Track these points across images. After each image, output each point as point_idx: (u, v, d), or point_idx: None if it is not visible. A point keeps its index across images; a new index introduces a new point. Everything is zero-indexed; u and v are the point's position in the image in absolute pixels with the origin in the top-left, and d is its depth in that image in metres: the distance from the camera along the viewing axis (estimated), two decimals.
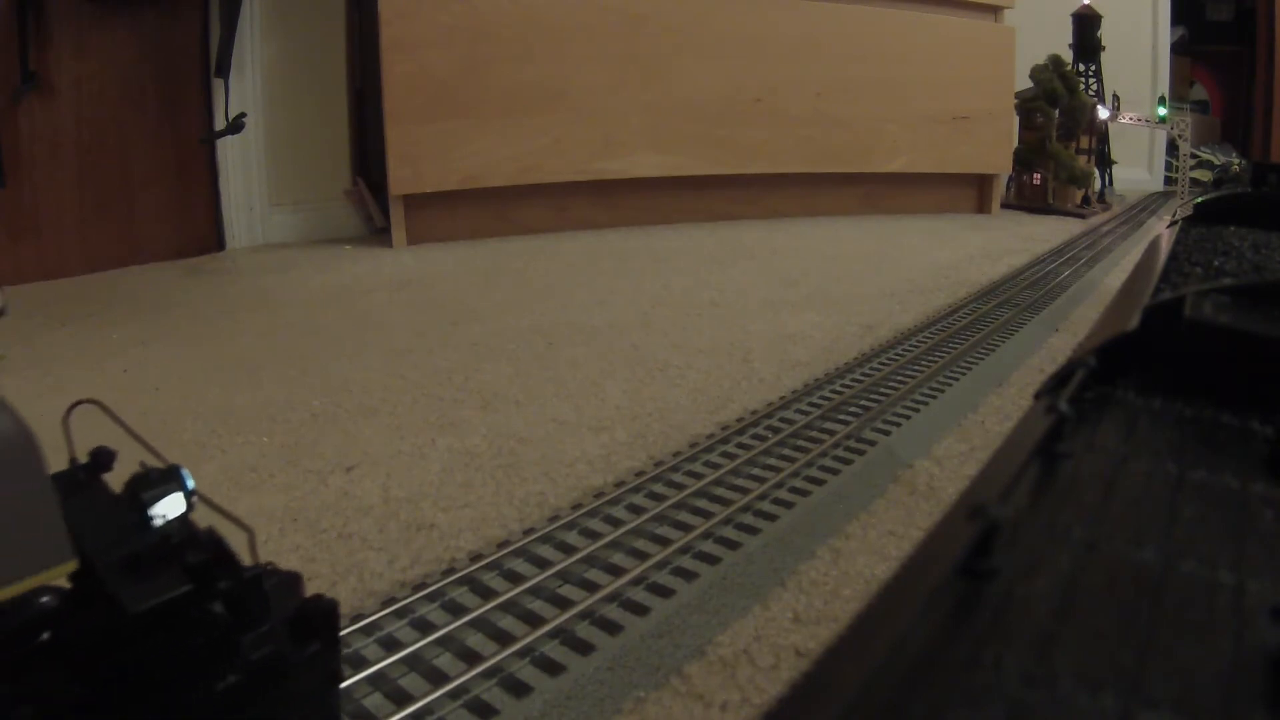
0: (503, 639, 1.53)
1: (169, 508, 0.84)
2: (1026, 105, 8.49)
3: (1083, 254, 5.79)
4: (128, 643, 0.77)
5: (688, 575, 1.78)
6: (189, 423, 2.65)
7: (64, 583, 0.81)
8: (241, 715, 0.81)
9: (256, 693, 0.81)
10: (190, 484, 0.85)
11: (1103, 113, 8.65)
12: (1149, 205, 9.07)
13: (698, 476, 2.18)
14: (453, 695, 1.38)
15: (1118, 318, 1.20)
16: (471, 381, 3.03)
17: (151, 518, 0.83)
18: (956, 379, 3.10)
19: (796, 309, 4.10)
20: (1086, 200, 8.48)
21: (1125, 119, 8.47)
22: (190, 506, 0.85)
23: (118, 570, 0.80)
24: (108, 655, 0.78)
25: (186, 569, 0.79)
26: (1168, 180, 10.68)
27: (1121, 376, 1.04)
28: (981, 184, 7.98)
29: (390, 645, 1.52)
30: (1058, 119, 8.40)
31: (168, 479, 0.84)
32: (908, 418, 2.72)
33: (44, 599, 0.82)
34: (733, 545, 1.91)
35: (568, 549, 1.84)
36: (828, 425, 2.59)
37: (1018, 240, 6.35)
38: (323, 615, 0.86)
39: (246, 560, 0.83)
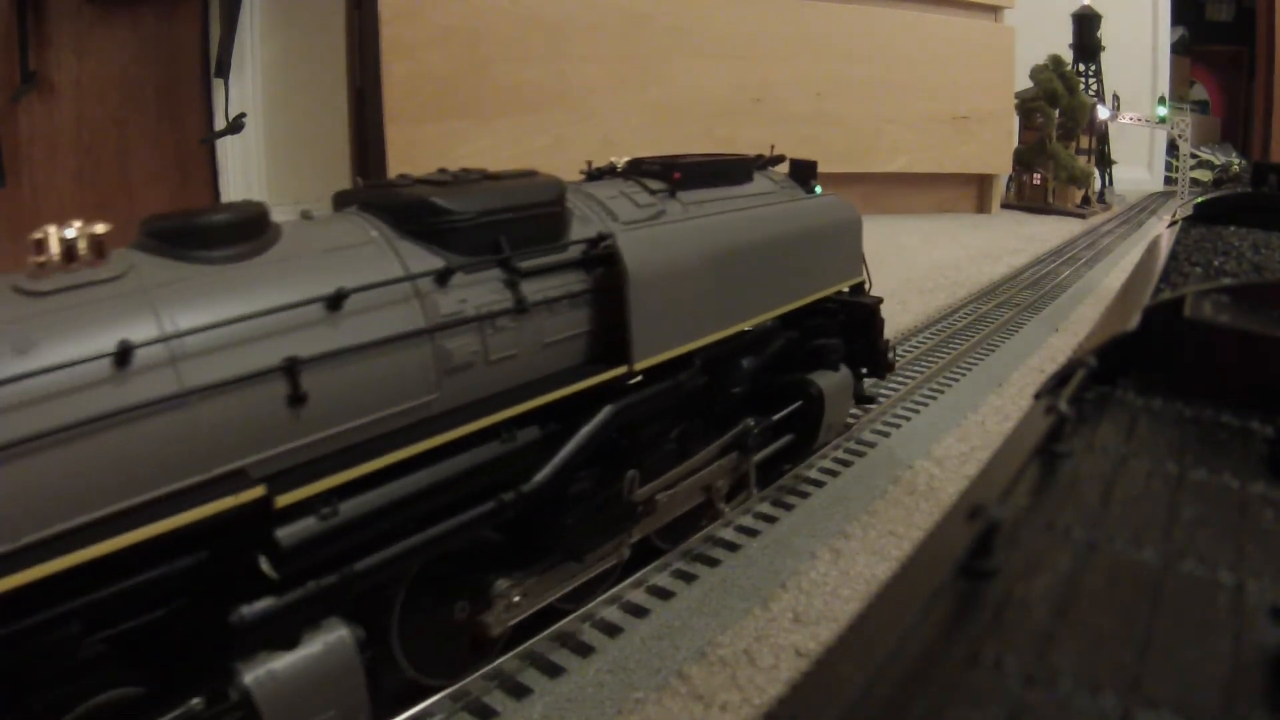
0: None
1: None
2: (1026, 105, 8.49)
3: (1082, 254, 5.79)
4: (863, 322, 2.51)
5: (688, 578, 1.79)
6: None
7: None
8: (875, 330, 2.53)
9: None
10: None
11: (1103, 113, 8.66)
12: (1149, 205, 9.08)
13: None
14: None
15: (1118, 318, 1.20)
16: None
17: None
18: (956, 379, 3.10)
19: None
20: (1086, 200, 8.49)
21: (1125, 119, 8.48)
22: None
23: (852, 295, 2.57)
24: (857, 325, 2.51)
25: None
26: (1168, 180, 10.69)
27: (1121, 376, 1.04)
28: (981, 184, 7.98)
29: None
30: (1058, 119, 8.40)
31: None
32: (908, 419, 2.72)
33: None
34: (733, 548, 1.91)
35: None
36: None
37: (1018, 240, 6.35)
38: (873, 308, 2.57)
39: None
